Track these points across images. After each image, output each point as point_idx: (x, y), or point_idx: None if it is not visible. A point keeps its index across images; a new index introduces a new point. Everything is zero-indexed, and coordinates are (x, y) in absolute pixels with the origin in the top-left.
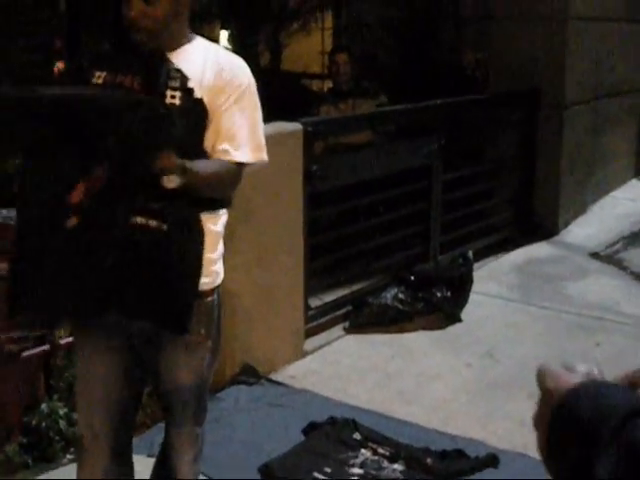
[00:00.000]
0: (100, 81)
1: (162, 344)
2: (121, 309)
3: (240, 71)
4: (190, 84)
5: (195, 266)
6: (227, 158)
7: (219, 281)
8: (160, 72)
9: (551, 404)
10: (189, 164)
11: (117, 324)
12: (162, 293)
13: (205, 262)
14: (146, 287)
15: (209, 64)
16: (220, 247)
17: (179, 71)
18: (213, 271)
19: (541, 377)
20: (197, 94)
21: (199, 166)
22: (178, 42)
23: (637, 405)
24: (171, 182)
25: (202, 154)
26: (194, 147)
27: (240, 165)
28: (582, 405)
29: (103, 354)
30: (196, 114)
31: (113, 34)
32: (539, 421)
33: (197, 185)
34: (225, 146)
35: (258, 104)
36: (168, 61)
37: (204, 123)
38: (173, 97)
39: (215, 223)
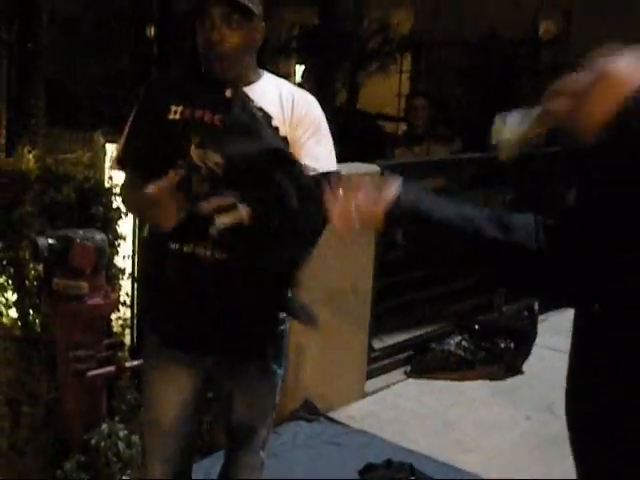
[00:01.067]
0: (177, 116)
1: (236, 371)
2: (200, 341)
3: (313, 105)
4: (274, 122)
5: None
6: None
7: None
8: (246, 110)
9: (620, 91)
10: None
11: (195, 353)
12: (244, 326)
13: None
14: (227, 322)
15: (284, 101)
16: None
17: (262, 110)
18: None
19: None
20: (282, 132)
21: None
22: (251, 77)
23: None
24: None
25: None
26: None
27: None
28: None
29: (175, 382)
30: None
31: (187, 63)
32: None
33: None
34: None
35: (330, 137)
36: (250, 99)
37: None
38: None
39: None
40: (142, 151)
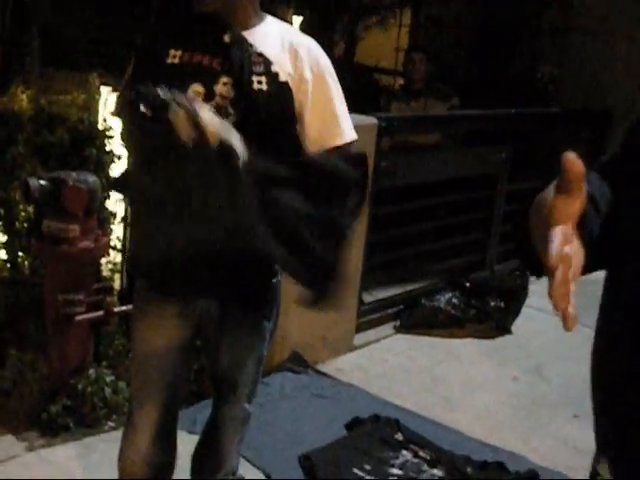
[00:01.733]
0: (176, 60)
1: (226, 322)
2: (189, 286)
3: (318, 52)
4: (274, 68)
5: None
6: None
7: None
8: (242, 56)
9: None
10: None
11: (184, 299)
12: (234, 273)
13: None
14: (217, 267)
15: (287, 47)
16: None
17: (261, 55)
18: None
19: None
20: (282, 77)
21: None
22: (251, 21)
23: None
24: None
25: (295, 139)
26: (285, 133)
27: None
28: None
29: (164, 328)
30: (284, 98)
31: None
32: None
33: None
34: (331, 131)
35: (338, 84)
36: (249, 44)
37: (292, 107)
38: (260, 83)
39: None
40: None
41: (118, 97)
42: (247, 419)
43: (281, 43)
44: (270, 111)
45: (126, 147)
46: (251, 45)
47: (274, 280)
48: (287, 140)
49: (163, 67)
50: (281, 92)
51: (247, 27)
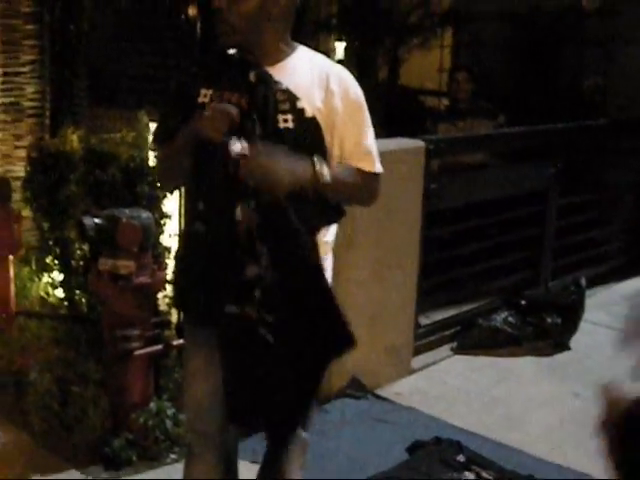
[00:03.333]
0: (207, 99)
1: None
2: None
3: (349, 82)
4: (300, 104)
5: None
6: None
7: None
8: (267, 95)
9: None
10: (324, 169)
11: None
12: None
13: None
14: None
15: (316, 79)
16: (329, 257)
17: (287, 91)
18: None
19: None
20: (309, 113)
21: (336, 171)
22: (279, 54)
23: None
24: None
25: None
26: None
27: (375, 175)
28: None
29: (212, 358)
30: (311, 134)
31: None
32: (606, 428)
33: (334, 189)
34: (355, 160)
35: (368, 114)
36: (274, 81)
37: (321, 142)
38: (286, 121)
39: (325, 235)
40: (174, 133)
41: (154, 130)
42: (304, 447)
43: (311, 75)
44: (298, 147)
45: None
46: (277, 82)
47: None
48: None
49: (195, 107)
50: (308, 128)
51: (277, 60)
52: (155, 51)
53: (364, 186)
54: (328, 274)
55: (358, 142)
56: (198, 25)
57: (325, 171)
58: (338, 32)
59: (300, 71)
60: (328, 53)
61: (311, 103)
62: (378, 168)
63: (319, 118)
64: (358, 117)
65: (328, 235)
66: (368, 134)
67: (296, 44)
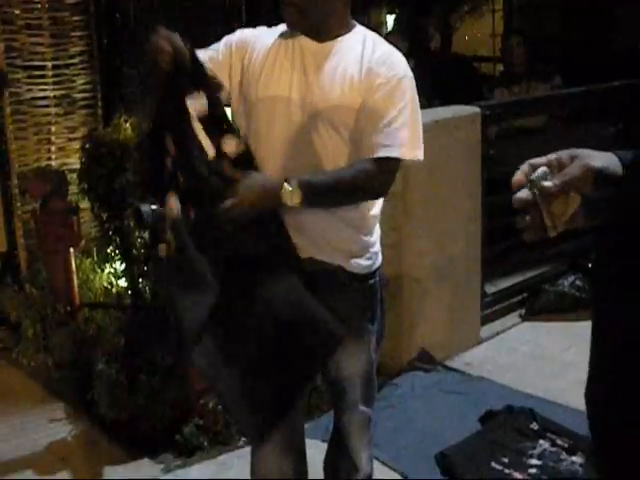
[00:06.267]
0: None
1: None
2: None
3: (396, 65)
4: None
5: None
6: (376, 155)
7: (379, 263)
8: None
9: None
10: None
11: None
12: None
13: (364, 245)
14: None
15: (366, 58)
16: (377, 230)
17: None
18: (373, 253)
19: None
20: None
21: (319, 179)
22: (336, 30)
23: None
24: None
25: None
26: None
27: (389, 160)
28: None
29: None
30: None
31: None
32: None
33: (317, 200)
34: (376, 140)
35: (416, 98)
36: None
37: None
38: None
39: (370, 208)
40: None
41: None
42: (367, 422)
43: (360, 55)
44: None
45: None
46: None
47: (371, 282)
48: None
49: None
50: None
51: (333, 37)
52: (203, 34)
53: (374, 175)
54: (377, 246)
55: (383, 125)
56: (243, 7)
57: (295, 195)
58: (388, 4)
59: (352, 50)
60: (379, 26)
61: (355, 81)
62: (400, 154)
63: (362, 95)
64: (390, 101)
65: (374, 209)
66: (399, 119)
67: (355, 24)
